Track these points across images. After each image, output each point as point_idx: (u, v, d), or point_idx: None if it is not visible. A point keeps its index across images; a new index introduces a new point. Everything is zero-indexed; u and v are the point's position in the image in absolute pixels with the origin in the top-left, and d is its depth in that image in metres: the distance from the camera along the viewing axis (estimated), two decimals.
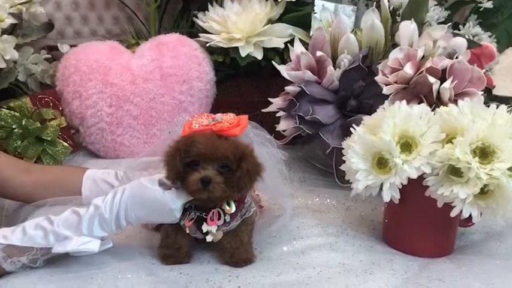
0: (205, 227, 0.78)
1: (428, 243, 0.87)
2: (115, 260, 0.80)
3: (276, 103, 1.24)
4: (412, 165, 0.79)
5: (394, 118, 0.82)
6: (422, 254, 0.87)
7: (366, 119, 0.89)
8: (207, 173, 0.73)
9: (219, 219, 0.78)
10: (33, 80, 1.38)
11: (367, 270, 0.80)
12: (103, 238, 0.78)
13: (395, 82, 1.03)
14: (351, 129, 0.88)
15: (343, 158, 0.87)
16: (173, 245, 0.81)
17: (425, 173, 0.79)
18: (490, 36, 1.38)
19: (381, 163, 0.82)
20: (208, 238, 0.79)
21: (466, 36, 1.32)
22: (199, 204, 0.78)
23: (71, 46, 1.40)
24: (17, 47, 1.28)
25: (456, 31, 1.34)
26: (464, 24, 1.38)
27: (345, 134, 0.99)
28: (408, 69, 1.00)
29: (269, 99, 1.25)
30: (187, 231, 0.80)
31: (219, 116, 0.79)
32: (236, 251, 0.81)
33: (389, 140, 0.80)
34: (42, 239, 0.75)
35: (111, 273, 0.76)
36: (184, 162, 0.74)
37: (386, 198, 0.81)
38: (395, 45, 1.14)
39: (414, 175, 0.79)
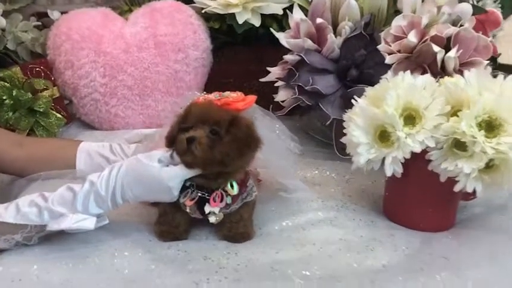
0: (207, 208, 0.76)
1: (430, 217, 0.86)
2: (111, 237, 0.78)
3: (275, 72, 1.21)
4: (416, 138, 0.76)
5: (398, 90, 0.79)
6: (424, 228, 0.85)
7: (369, 90, 0.86)
8: (193, 134, 0.72)
9: (221, 201, 0.77)
10: (24, 49, 1.35)
11: (368, 246, 0.79)
12: (99, 215, 0.76)
13: (399, 51, 1.00)
14: (352, 101, 0.85)
15: (344, 130, 0.85)
16: (171, 222, 0.80)
17: (429, 147, 0.77)
18: (494, 2, 1.34)
19: (383, 136, 0.80)
20: (212, 219, 0.77)
21: (471, 2, 1.28)
22: (201, 184, 0.76)
23: (62, 13, 1.36)
24: (5, 14, 1.25)
25: None
26: None
27: (345, 105, 0.97)
28: (412, 38, 0.97)
29: (267, 68, 1.22)
30: (188, 211, 0.78)
31: (227, 92, 0.80)
32: (234, 225, 0.80)
33: (392, 112, 0.77)
34: (36, 216, 0.73)
35: (108, 251, 0.75)
36: (181, 127, 0.74)
37: (388, 172, 0.79)
38: (397, 11, 1.11)
39: (418, 149, 0.76)
